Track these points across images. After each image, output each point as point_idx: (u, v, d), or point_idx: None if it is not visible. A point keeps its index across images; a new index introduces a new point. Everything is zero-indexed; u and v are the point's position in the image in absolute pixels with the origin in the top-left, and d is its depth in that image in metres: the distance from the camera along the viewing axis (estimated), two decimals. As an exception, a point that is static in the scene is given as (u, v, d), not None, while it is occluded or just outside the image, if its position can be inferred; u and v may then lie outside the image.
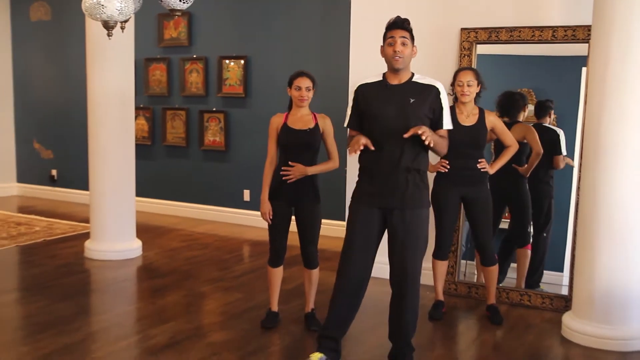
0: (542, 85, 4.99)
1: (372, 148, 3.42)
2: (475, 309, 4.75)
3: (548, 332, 4.31)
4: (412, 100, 3.45)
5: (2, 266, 5.80)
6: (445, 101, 3.52)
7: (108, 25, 3.94)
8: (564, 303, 4.64)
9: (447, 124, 3.54)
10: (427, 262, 4.86)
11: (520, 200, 4.92)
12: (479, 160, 4.40)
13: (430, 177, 4.56)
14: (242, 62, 7.37)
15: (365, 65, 5.03)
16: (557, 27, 4.66)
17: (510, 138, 4.48)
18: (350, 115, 3.65)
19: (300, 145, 4.07)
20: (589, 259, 4.08)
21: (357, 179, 3.64)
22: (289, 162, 4.07)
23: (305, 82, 4.05)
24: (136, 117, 7.36)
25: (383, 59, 3.53)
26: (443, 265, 4.64)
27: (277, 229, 4.17)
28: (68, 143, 8.80)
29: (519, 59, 5.05)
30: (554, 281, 4.93)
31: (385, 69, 3.56)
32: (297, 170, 4.05)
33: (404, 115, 3.44)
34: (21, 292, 5.07)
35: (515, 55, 5.02)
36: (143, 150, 7.86)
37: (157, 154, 8.12)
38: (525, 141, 4.74)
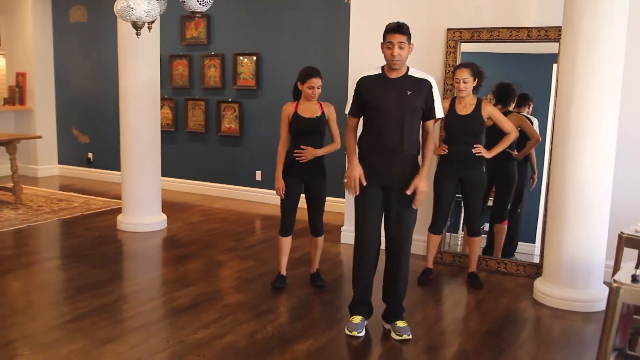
0: (518, 79, 4.93)
1: (365, 183, 3.44)
2: (458, 275, 4.74)
3: (521, 296, 4.31)
4: (409, 93, 3.42)
5: (46, 237, 5.81)
6: (437, 93, 3.50)
7: (137, 26, 3.89)
8: (536, 270, 4.64)
9: (439, 113, 3.53)
10: (418, 234, 4.89)
11: (508, 182, 4.82)
12: (475, 146, 4.35)
13: (434, 160, 4.54)
14: (255, 58, 7.30)
15: (363, 60, 5.00)
16: (532, 28, 4.61)
17: (508, 125, 4.39)
18: (352, 104, 3.59)
19: (310, 131, 4.09)
20: (557, 232, 4.07)
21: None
22: (301, 146, 4.08)
23: (318, 82, 4.04)
24: (161, 107, 7.33)
25: (381, 53, 3.47)
26: (436, 239, 4.62)
27: (289, 203, 4.18)
28: (102, 129, 8.76)
29: (498, 56, 5.00)
30: (527, 251, 4.93)
31: (382, 61, 3.50)
32: (308, 153, 4.07)
33: (402, 105, 3.42)
34: (63, 260, 5.08)
35: (495, 53, 4.98)
36: (167, 136, 7.82)
37: (180, 139, 8.08)
38: (519, 129, 4.64)
